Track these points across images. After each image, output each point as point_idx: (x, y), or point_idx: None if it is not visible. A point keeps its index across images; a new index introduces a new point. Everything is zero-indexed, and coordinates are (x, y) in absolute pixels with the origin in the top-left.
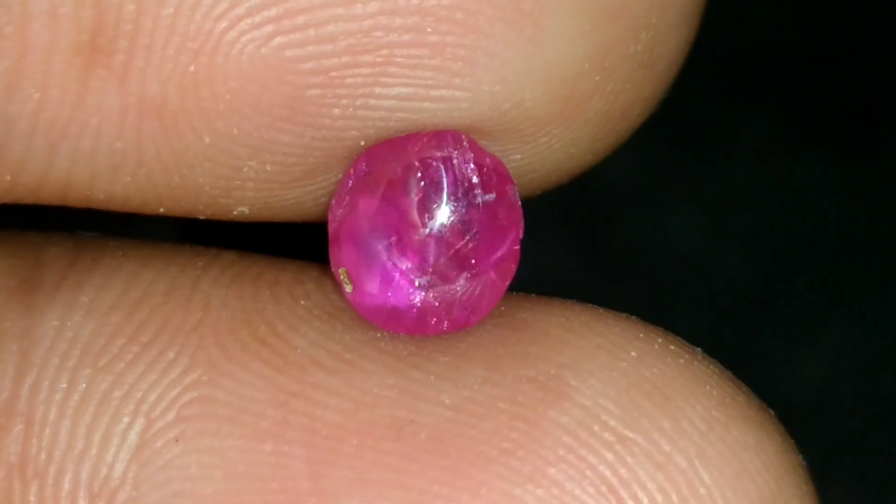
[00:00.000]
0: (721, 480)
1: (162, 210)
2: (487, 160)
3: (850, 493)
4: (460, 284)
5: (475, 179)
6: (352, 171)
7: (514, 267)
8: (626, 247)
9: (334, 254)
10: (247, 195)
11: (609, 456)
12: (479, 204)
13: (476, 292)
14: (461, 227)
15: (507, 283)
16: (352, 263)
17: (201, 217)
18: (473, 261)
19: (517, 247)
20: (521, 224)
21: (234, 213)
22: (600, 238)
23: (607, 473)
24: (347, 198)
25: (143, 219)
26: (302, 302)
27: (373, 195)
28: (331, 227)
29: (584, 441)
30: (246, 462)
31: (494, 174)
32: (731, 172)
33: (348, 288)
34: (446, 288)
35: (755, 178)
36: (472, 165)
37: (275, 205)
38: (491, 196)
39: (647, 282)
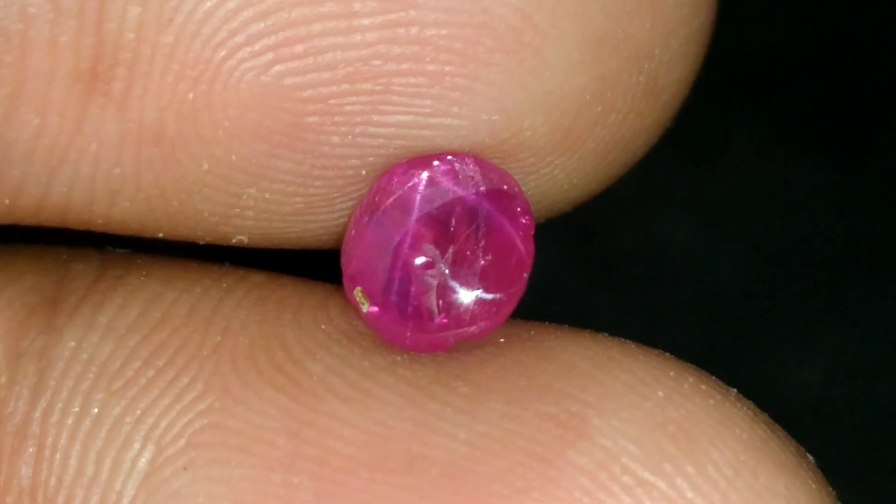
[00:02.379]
0: None
1: (161, 234)
2: (488, 165)
3: (845, 498)
4: (479, 289)
5: (479, 181)
6: (364, 199)
7: (530, 262)
8: (621, 251)
9: (348, 273)
10: (246, 223)
11: (628, 500)
12: (489, 215)
13: (495, 295)
14: (473, 233)
15: (526, 274)
16: (367, 281)
17: (201, 242)
18: (490, 264)
19: (531, 244)
20: (532, 220)
21: (234, 241)
22: (595, 242)
23: None
24: (364, 218)
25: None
26: (323, 326)
27: (384, 219)
28: (343, 256)
29: (601, 483)
30: (254, 493)
31: (496, 175)
32: (727, 177)
33: (364, 307)
34: (465, 295)
35: (750, 182)
36: (477, 174)
37: (275, 236)
38: (506, 216)
39: (642, 286)
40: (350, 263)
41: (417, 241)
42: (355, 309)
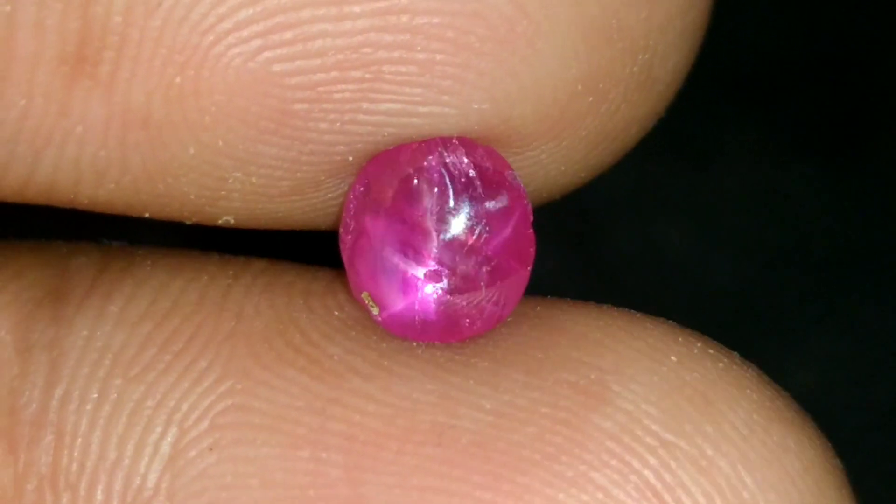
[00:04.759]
0: (764, 484)
1: (147, 214)
2: (479, 151)
3: None
4: (483, 279)
5: (472, 174)
6: (350, 195)
7: (532, 251)
8: (616, 255)
9: (353, 279)
10: (233, 205)
11: (653, 460)
12: (485, 203)
13: (500, 283)
14: (469, 222)
15: (529, 268)
16: (372, 285)
17: (187, 223)
18: (490, 252)
19: (530, 230)
20: (528, 205)
21: (220, 221)
22: (591, 246)
23: (652, 478)
24: (353, 223)
25: (166, 228)
26: (336, 313)
27: (376, 213)
28: (344, 255)
29: (627, 445)
30: (283, 470)
31: (490, 163)
32: (722, 181)
33: (374, 311)
34: (470, 286)
35: (746, 186)
36: (465, 160)
37: (262, 217)
38: (502, 202)
39: (638, 290)
40: (352, 270)
41: (419, 251)
42: (365, 310)
